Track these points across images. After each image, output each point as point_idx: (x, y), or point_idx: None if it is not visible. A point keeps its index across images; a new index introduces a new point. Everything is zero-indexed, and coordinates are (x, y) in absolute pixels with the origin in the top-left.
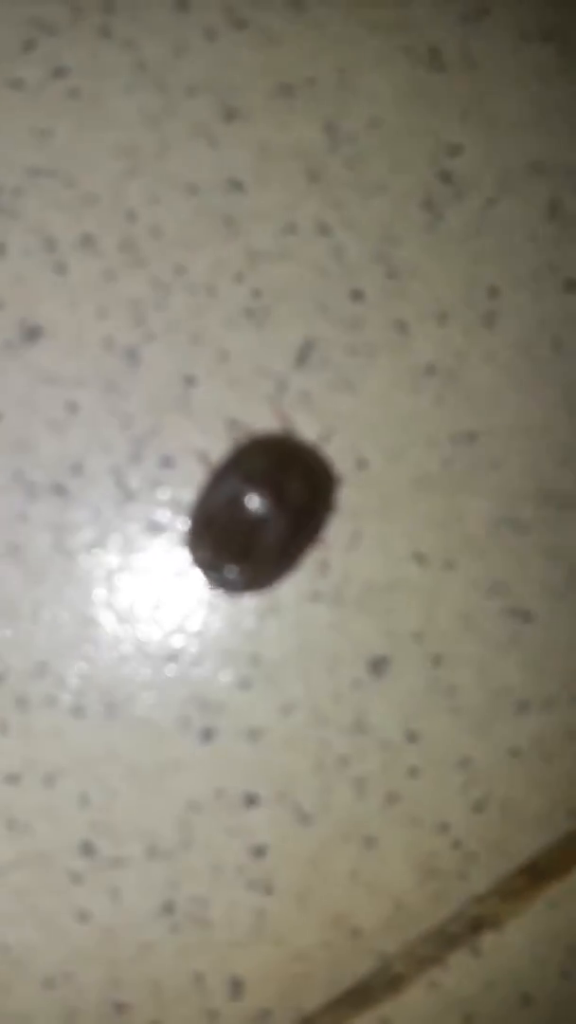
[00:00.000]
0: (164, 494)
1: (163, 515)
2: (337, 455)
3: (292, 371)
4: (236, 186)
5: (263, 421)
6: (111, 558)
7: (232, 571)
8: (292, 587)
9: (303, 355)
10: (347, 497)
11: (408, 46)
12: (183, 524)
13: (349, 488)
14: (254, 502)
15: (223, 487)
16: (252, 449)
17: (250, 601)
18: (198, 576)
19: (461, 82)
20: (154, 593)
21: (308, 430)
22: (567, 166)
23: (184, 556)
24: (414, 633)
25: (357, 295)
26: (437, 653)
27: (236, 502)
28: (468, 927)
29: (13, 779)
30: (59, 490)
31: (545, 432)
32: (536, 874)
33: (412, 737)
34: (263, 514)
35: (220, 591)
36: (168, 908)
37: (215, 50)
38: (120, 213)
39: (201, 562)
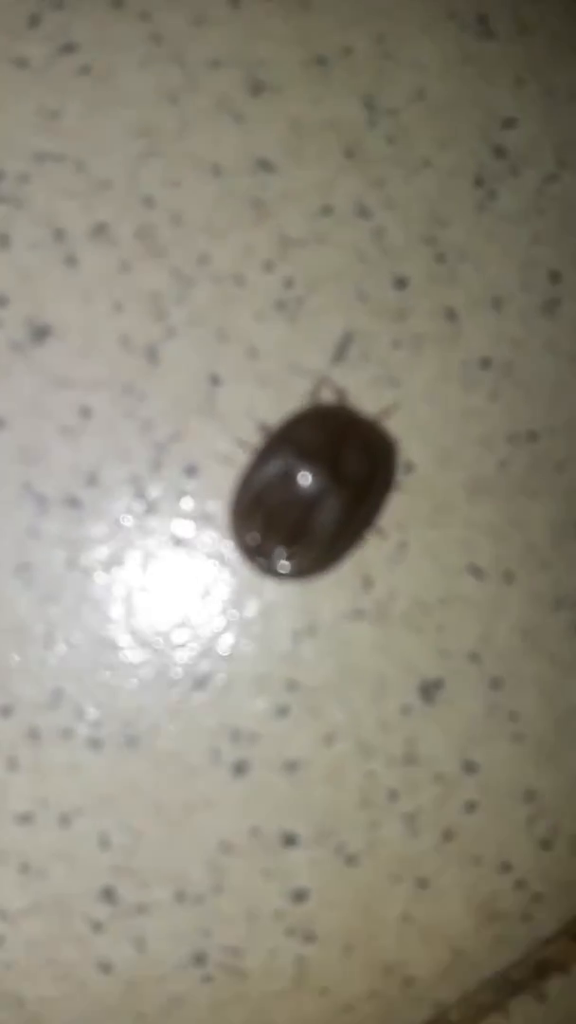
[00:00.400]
0: (188, 505)
1: (188, 528)
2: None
3: (330, 368)
4: (265, 166)
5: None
6: (131, 576)
7: (282, 555)
8: (331, 604)
9: (341, 350)
10: (393, 503)
11: (454, 11)
12: (226, 505)
13: (395, 493)
14: (307, 478)
15: (273, 462)
16: (305, 420)
17: (286, 621)
18: (227, 594)
19: (513, 49)
20: (179, 613)
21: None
22: None
23: (215, 564)
24: (470, 653)
25: (401, 282)
26: (496, 675)
27: (288, 478)
28: (533, 972)
29: (26, 819)
30: (73, 502)
31: None
32: None
33: (470, 768)
34: (318, 492)
35: (269, 577)
36: (199, 958)
37: (239, 19)
38: (136, 199)
39: (249, 546)
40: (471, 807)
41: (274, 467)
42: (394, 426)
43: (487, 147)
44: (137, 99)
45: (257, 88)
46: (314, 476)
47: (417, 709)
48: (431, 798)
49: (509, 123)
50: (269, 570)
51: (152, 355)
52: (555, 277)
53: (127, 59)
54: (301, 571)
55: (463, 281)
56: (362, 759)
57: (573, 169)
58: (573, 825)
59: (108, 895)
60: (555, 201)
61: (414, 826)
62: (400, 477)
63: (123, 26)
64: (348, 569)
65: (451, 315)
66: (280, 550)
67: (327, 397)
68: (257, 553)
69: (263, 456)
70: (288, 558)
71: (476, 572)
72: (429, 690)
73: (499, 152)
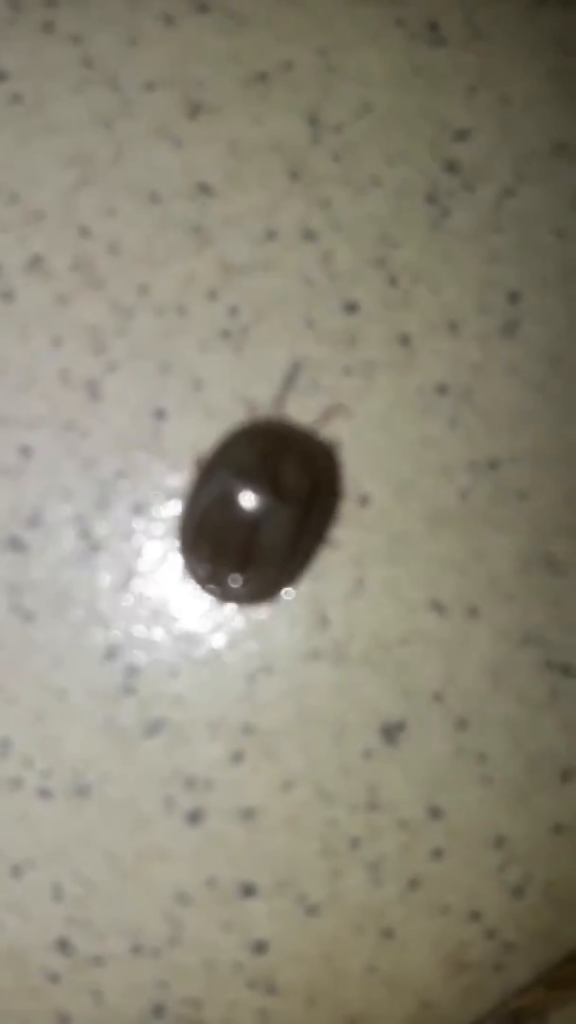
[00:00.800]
0: (136, 543)
1: (137, 567)
2: (345, 480)
3: (278, 393)
4: (205, 190)
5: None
6: (76, 618)
7: (236, 580)
8: (287, 645)
9: (290, 379)
10: (348, 538)
11: (402, 19)
12: (174, 536)
13: (350, 528)
14: (249, 499)
15: (210, 487)
16: (237, 440)
17: (240, 663)
18: (179, 635)
19: (465, 57)
20: (127, 657)
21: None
22: None
23: (165, 605)
24: (434, 693)
25: (351, 307)
26: (462, 715)
27: (228, 502)
28: (508, 1022)
29: None
30: (15, 545)
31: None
32: None
33: (435, 814)
34: (262, 511)
35: (227, 604)
36: (158, 1011)
37: (174, 38)
38: (72, 230)
39: (200, 576)
40: (437, 854)
41: (213, 492)
42: (347, 459)
43: (439, 162)
44: (70, 126)
45: (195, 110)
46: (255, 495)
47: (379, 752)
48: (395, 845)
49: (462, 135)
50: (225, 597)
51: (93, 390)
52: (514, 298)
53: (59, 85)
54: (257, 594)
55: (417, 304)
56: (322, 806)
57: (532, 182)
58: (546, 871)
59: (63, 946)
60: (513, 217)
61: (378, 875)
62: (356, 510)
63: (54, 51)
64: (304, 608)
65: (405, 340)
66: (233, 576)
67: (260, 414)
68: (210, 582)
69: (200, 483)
70: (243, 583)
71: (438, 608)
72: (391, 732)
73: (452, 167)
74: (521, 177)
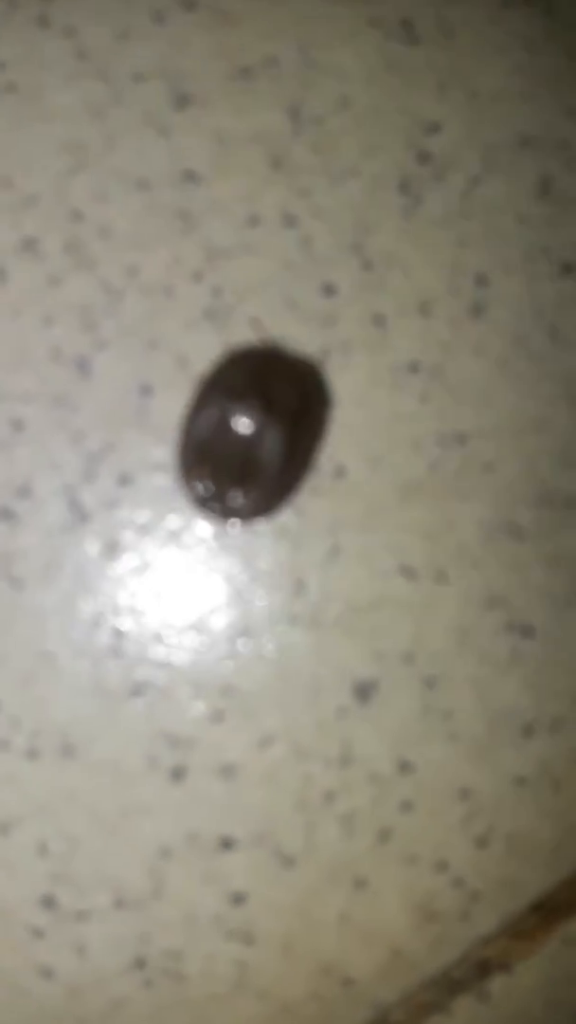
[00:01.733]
0: (123, 513)
1: (123, 536)
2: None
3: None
4: (191, 178)
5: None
6: (65, 585)
7: (237, 497)
8: (265, 609)
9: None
10: (324, 508)
11: (377, 17)
12: (172, 459)
13: (326, 498)
14: (243, 419)
15: (207, 411)
16: (229, 363)
17: (220, 626)
18: (163, 601)
19: (437, 53)
20: (113, 622)
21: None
22: (557, 139)
23: (148, 573)
24: (404, 654)
25: (329, 289)
26: (430, 675)
27: (225, 423)
28: (474, 971)
29: None
30: (5, 514)
31: (542, 429)
32: (549, 911)
33: (405, 768)
34: (256, 429)
35: (229, 523)
36: (139, 963)
37: (163, 33)
38: (64, 213)
39: (201, 496)
40: (407, 807)
41: (209, 415)
42: (327, 429)
43: (412, 153)
44: (63, 115)
45: (182, 101)
46: (249, 415)
47: (352, 711)
48: (367, 799)
49: (433, 128)
50: (226, 514)
51: (83, 367)
52: (482, 280)
53: (53, 76)
54: (257, 510)
55: (391, 287)
56: (298, 762)
57: (498, 172)
58: (508, 823)
59: (48, 902)
60: (481, 205)
61: (350, 827)
62: (331, 481)
63: (49, 44)
64: (282, 574)
65: (379, 321)
66: (233, 493)
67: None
68: (211, 500)
69: (197, 407)
70: (242, 499)
71: (409, 573)
72: (364, 691)
73: (424, 158)
74: (488, 167)
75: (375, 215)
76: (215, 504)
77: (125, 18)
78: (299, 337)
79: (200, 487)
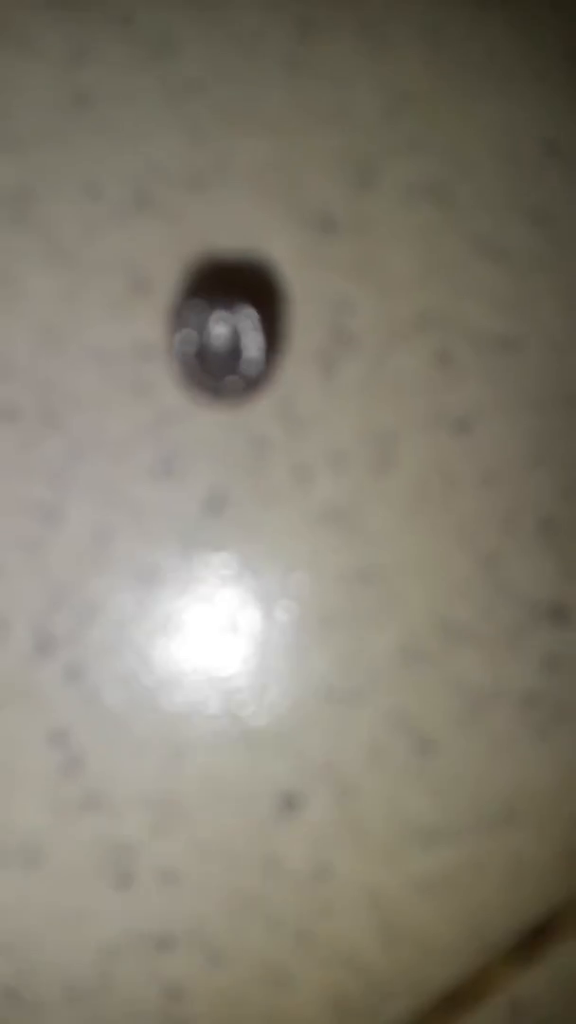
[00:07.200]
0: (82, 644)
1: (85, 659)
2: (250, 590)
3: (201, 520)
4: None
5: (178, 569)
6: (22, 716)
7: (236, 380)
8: (200, 728)
9: (211, 505)
10: (258, 639)
11: (302, 211)
12: (176, 368)
13: (258, 632)
14: (222, 317)
15: (193, 318)
16: (192, 286)
17: (162, 747)
18: (114, 720)
19: (354, 243)
20: (67, 742)
21: (223, 575)
22: (453, 317)
23: (89, 691)
24: (323, 768)
25: (262, 442)
26: (347, 788)
27: (206, 324)
28: None
29: None
30: None
31: (443, 566)
32: (451, 1006)
33: (323, 873)
34: (233, 322)
35: (231, 401)
36: None
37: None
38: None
39: (210, 388)
40: (325, 909)
41: (196, 320)
42: (256, 569)
43: (330, 329)
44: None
45: (138, 287)
46: (226, 312)
47: (277, 821)
48: (289, 902)
49: (350, 308)
50: (230, 393)
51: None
52: (389, 438)
53: (27, 264)
54: (255, 383)
55: (314, 442)
56: (229, 868)
57: (404, 345)
58: (415, 924)
59: (11, 994)
60: (389, 373)
61: (275, 928)
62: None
63: (21, 239)
64: (214, 697)
65: (304, 471)
66: (232, 378)
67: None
68: (216, 390)
69: (178, 323)
70: (241, 378)
71: (330, 694)
72: (289, 803)
73: (340, 332)
74: (394, 341)
75: (300, 380)
76: (218, 388)
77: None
78: (235, 486)
79: (208, 380)
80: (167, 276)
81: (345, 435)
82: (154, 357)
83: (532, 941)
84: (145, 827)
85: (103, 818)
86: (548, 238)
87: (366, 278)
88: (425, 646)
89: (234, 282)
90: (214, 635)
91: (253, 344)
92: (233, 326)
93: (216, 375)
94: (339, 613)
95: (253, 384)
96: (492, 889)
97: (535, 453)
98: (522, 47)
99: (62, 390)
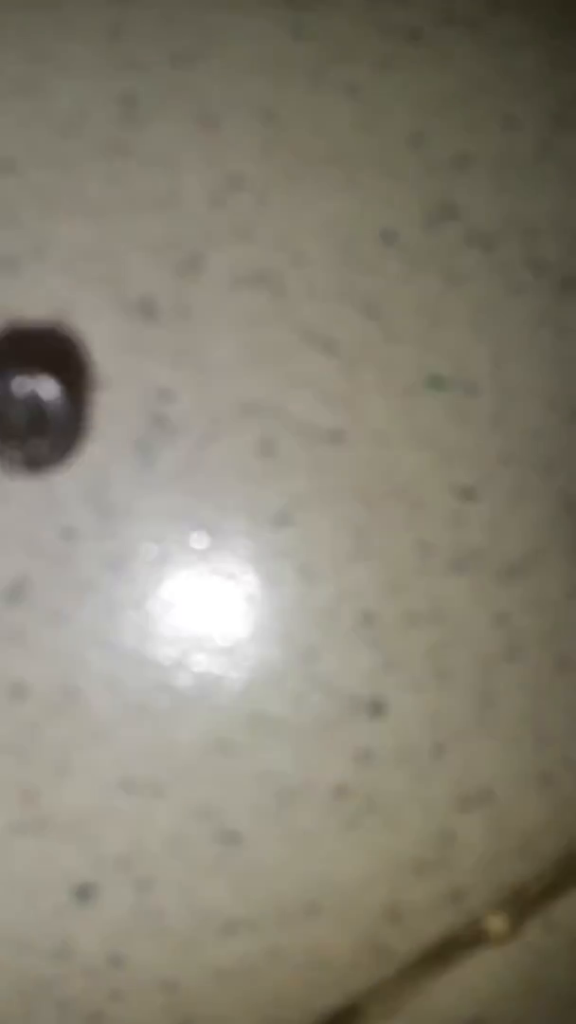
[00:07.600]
0: None
1: None
2: (48, 685)
3: (3, 608)
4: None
5: None
6: None
7: (39, 445)
8: None
9: (15, 592)
10: (57, 728)
11: (122, 298)
12: None
13: (61, 717)
14: (23, 383)
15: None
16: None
17: None
18: None
19: (175, 330)
20: None
21: (21, 663)
22: (276, 406)
23: None
24: (121, 859)
25: (70, 533)
26: (144, 877)
27: (8, 390)
28: None
29: None
30: None
31: (258, 659)
32: None
33: (116, 961)
34: (36, 388)
35: (38, 470)
36: None
37: None
38: None
39: (12, 456)
40: (116, 995)
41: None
42: (59, 660)
43: (149, 417)
44: None
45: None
46: (27, 378)
47: (71, 909)
48: (80, 988)
49: (170, 396)
50: (36, 462)
51: None
52: (207, 528)
53: None
54: (58, 452)
55: (126, 533)
56: (20, 954)
57: (225, 433)
58: (209, 1010)
59: None
60: (209, 461)
61: (65, 1012)
62: (64, 703)
63: None
64: (10, 786)
65: (114, 563)
66: (35, 442)
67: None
68: (20, 457)
69: None
70: (48, 445)
71: (129, 787)
72: (83, 892)
73: (160, 420)
74: (216, 429)
75: (114, 469)
76: (21, 457)
77: None
78: (40, 575)
79: (9, 449)
80: None
81: (160, 526)
82: None
83: None
84: None
85: None
86: (379, 329)
87: (188, 365)
88: (234, 738)
89: (37, 350)
90: (7, 727)
91: (56, 414)
92: (34, 393)
93: (14, 443)
94: (142, 705)
95: (56, 455)
96: (291, 979)
97: (356, 547)
98: (364, 134)
99: None
